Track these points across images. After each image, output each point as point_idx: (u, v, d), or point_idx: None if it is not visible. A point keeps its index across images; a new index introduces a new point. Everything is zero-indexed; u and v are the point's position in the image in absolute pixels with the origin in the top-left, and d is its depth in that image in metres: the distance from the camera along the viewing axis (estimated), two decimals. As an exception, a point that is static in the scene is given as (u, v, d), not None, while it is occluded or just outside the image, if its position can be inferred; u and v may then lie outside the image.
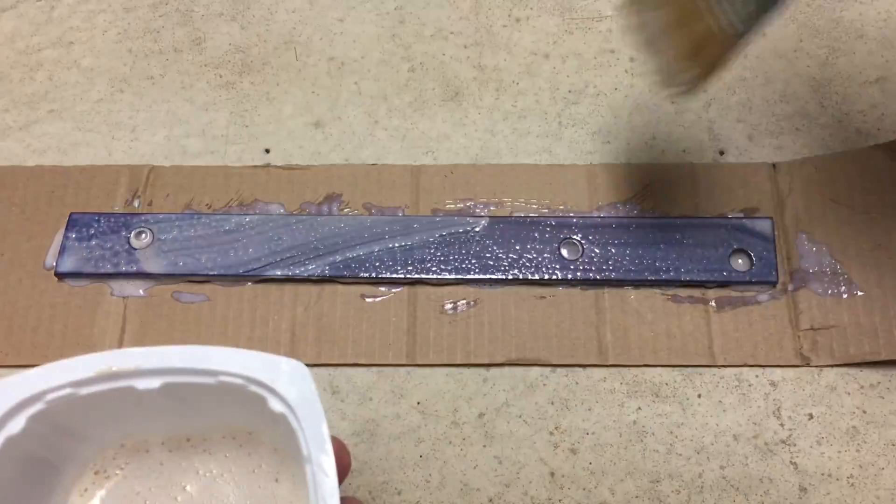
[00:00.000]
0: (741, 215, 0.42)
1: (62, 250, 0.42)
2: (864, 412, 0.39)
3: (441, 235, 0.42)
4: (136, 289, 0.41)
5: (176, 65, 0.48)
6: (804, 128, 0.45)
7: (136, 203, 0.44)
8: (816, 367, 0.40)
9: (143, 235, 0.42)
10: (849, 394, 0.39)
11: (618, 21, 0.49)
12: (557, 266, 0.41)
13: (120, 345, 0.40)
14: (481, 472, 0.38)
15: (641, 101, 0.47)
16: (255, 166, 0.45)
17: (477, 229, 0.42)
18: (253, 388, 0.26)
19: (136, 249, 0.42)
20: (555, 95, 0.47)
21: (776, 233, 0.42)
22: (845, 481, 0.37)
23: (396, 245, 0.42)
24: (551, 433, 0.39)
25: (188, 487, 0.30)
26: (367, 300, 0.41)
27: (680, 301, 0.41)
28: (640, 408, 0.39)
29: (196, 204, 0.43)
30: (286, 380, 0.26)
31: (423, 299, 0.41)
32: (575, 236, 0.42)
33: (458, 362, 0.40)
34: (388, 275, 0.41)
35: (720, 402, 0.39)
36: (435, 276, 0.41)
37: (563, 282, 0.41)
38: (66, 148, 0.46)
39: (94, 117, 0.47)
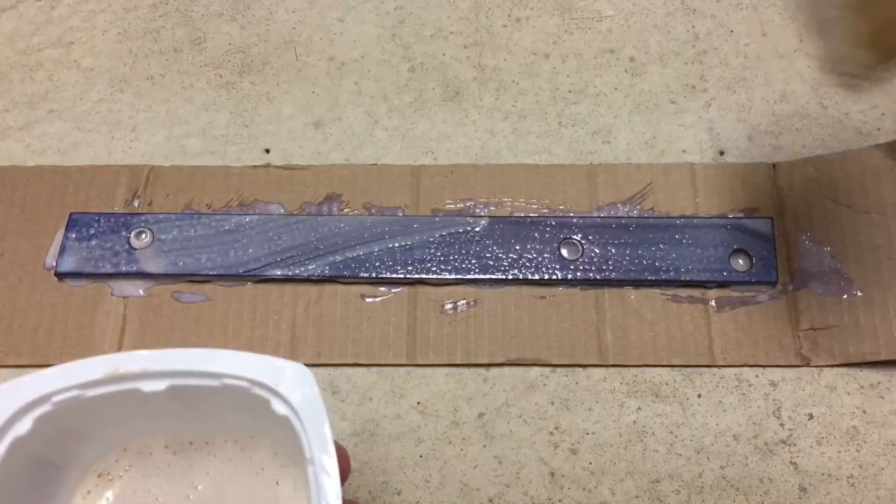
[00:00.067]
0: (741, 215, 0.42)
1: (62, 250, 0.42)
2: (864, 412, 0.39)
3: (441, 235, 0.42)
4: (136, 289, 0.41)
5: (176, 65, 0.48)
6: (804, 128, 0.45)
7: (136, 203, 0.44)
8: (816, 367, 0.40)
9: (143, 235, 0.42)
10: (849, 394, 0.39)
11: (618, 21, 0.49)
12: (557, 266, 0.41)
13: (120, 345, 0.40)
14: (481, 472, 0.38)
15: (641, 101, 0.47)
16: (255, 166, 0.45)
17: (477, 229, 0.42)
18: (257, 390, 0.26)
19: (136, 249, 0.42)
20: (555, 95, 0.47)
21: (776, 233, 0.42)
22: (845, 481, 0.37)
23: (396, 245, 0.42)
24: (551, 433, 0.39)
25: (192, 494, 0.30)
26: (367, 300, 0.41)
27: (680, 301, 0.41)
28: (640, 408, 0.39)
29: (196, 204, 0.43)
30: (290, 383, 0.26)
31: (423, 299, 0.41)
32: (575, 236, 0.42)
33: (458, 362, 0.40)
34: (388, 275, 0.41)
35: (720, 402, 0.39)
36: (435, 276, 0.41)
37: (563, 282, 0.41)
38: (66, 148, 0.46)
39: (94, 117, 0.47)
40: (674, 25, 0.49)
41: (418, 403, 0.40)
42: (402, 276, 0.41)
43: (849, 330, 0.40)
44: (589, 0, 0.50)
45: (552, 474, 0.38)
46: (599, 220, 0.42)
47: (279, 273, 0.41)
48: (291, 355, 0.40)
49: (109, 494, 0.30)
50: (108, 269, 0.41)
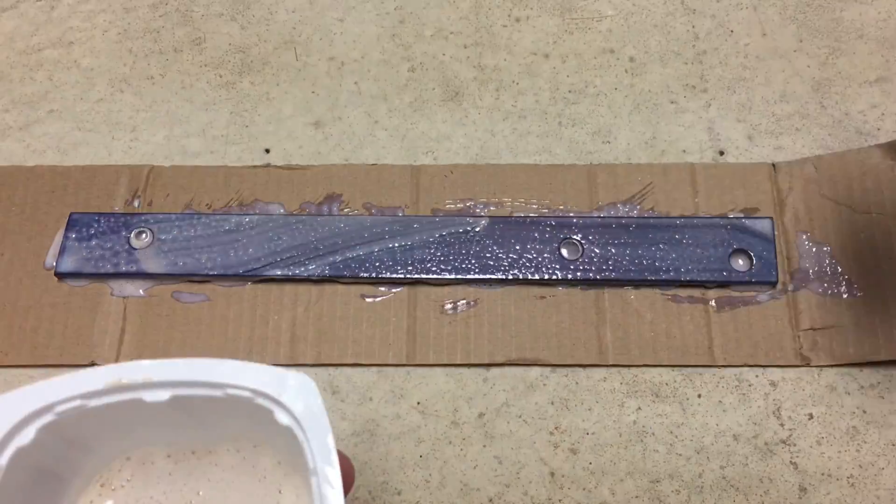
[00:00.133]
0: (741, 215, 0.42)
1: (62, 250, 0.42)
2: (864, 412, 0.39)
3: (441, 235, 0.42)
4: (136, 289, 0.41)
5: (176, 65, 0.48)
6: (804, 128, 0.45)
7: (136, 203, 0.44)
8: (816, 367, 0.40)
9: (143, 235, 0.42)
10: (849, 394, 0.39)
11: (618, 21, 0.49)
12: (557, 266, 0.41)
13: (120, 345, 0.40)
14: (481, 472, 0.38)
15: (641, 101, 0.47)
16: (255, 166, 0.45)
17: (477, 229, 0.42)
18: (260, 400, 0.26)
19: (136, 249, 0.42)
20: (555, 95, 0.47)
21: (776, 233, 0.42)
22: (845, 481, 0.37)
23: (396, 245, 0.42)
24: (551, 433, 0.39)
25: (194, 502, 0.30)
26: (367, 300, 0.41)
27: (680, 301, 0.41)
28: (640, 408, 0.39)
29: (196, 204, 0.43)
30: (293, 393, 0.26)
31: (423, 299, 0.41)
32: (575, 236, 0.42)
33: (458, 362, 0.40)
34: (388, 275, 0.41)
35: (720, 402, 0.39)
36: (435, 276, 0.41)
37: (563, 282, 0.41)
38: (66, 148, 0.46)
39: (94, 117, 0.47)
40: (674, 25, 0.49)
41: (418, 403, 0.40)
42: (402, 276, 0.41)
43: (849, 330, 0.40)
44: (589, 0, 0.50)
45: (552, 474, 0.38)
46: (599, 220, 0.42)
47: (279, 273, 0.41)
48: (291, 355, 0.40)
49: (112, 503, 0.30)
50: (108, 269, 0.41)
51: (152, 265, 0.41)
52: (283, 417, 0.26)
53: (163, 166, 0.45)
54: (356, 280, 0.41)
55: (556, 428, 0.39)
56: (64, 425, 0.27)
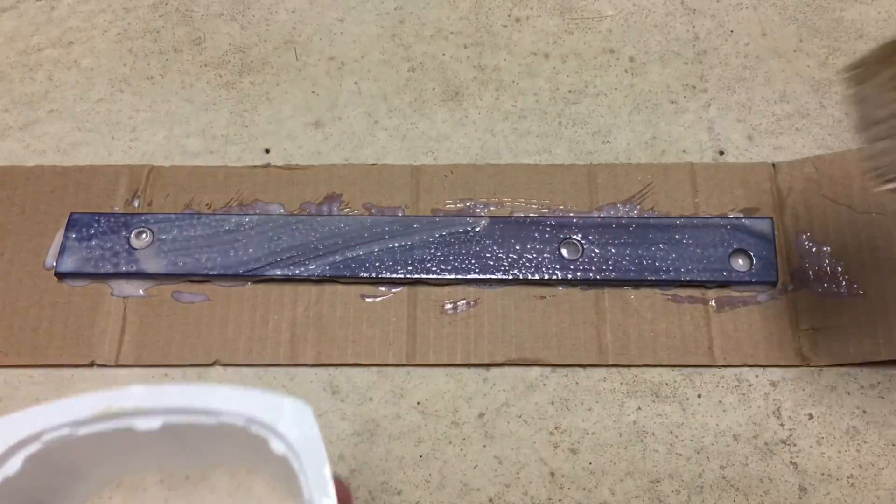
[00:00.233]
0: (741, 215, 0.42)
1: (62, 250, 0.42)
2: (864, 412, 0.39)
3: (441, 235, 0.42)
4: (136, 289, 0.41)
5: (176, 65, 0.48)
6: (804, 128, 0.45)
7: (136, 203, 0.44)
8: (816, 367, 0.40)
9: (143, 235, 0.42)
10: (849, 394, 0.39)
11: (618, 21, 0.49)
12: (557, 266, 0.41)
13: (120, 345, 0.40)
14: (481, 472, 0.38)
15: (641, 101, 0.47)
16: (255, 166, 0.45)
17: (477, 229, 0.42)
18: (254, 428, 0.26)
19: (136, 249, 0.42)
20: (555, 95, 0.47)
21: (776, 233, 0.42)
22: (845, 481, 0.37)
23: (396, 245, 0.42)
24: (551, 433, 0.39)
25: None
26: (367, 300, 0.41)
27: (680, 301, 0.41)
28: (640, 408, 0.39)
29: (196, 204, 0.43)
30: (289, 421, 0.26)
31: (423, 299, 0.41)
32: (575, 236, 0.42)
33: (458, 362, 0.40)
34: (388, 275, 0.41)
35: (720, 402, 0.39)
36: (435, 276, 0.41)
37: (563, 282, 0.41)
38: (66, 148, 0.46)
39: (94, 117, 0.47)
40: (674, 25, 0.49)
41: (418, 403, 0.40)
42: (402, 276, 0.41)
43: (849, 330, 0.40)
44: (589, 0, 0.50)
45: (552, 474, 0.38)
46: (599, 220, 0.42)
47: (279, 273, 0.41)
48: (291, 355, 0.40)
49: None
50: (108, 269, 0.41)
51: (152, 265, 0.41)
52: (278, 446, 0.25)
53: (163, 166, 0.45)
54: (356, 280, 0.41)
55: (556, 428, 0.39)
56: (52, 453, 0.26)
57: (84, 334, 0.41)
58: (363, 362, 0.40)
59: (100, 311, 0.41)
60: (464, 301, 0.41)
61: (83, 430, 0.26)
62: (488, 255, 0.41)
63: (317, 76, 0.48)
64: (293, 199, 0.44)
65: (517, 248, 0.42)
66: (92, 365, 0.40)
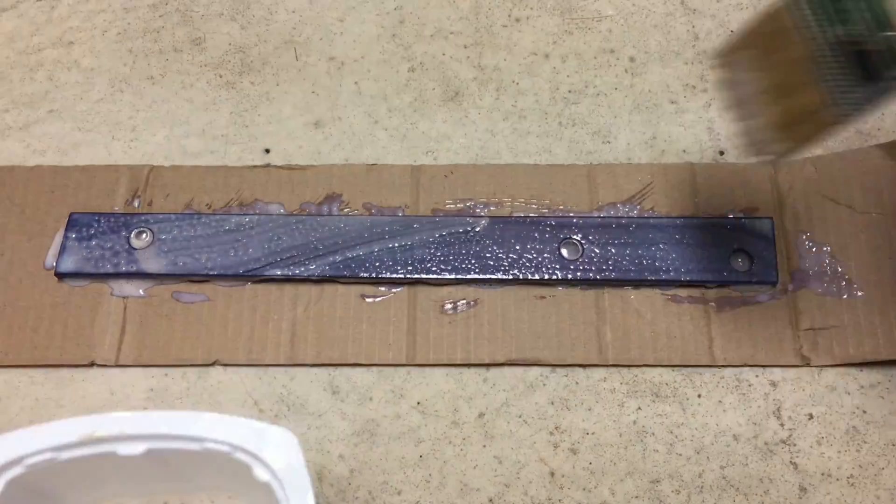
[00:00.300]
0: (741, 215, 0.42)
1: (62, 250, 0.42)
2: (864, 412, 0.39)
3: (441, 235, 0.42)
4: (136, 289, 0.41)
5: (176, 65, 0.48)
6: (804, 128, 0.45)
7: (136, 203, 0.44)
8: (816, 367, 0.40)
9: (143, 235, 0.42)
10: (849, 394, 0.39)
11: (618, 21, 0.49)
12: (557, 266, 0.41)
13: (120, 345, 0.40)
14: (481, 472, 0.38)
15: (641, 101, 0.47)
16: (255, 166, 0.45)
17: (477, 229, 0.42)
18: (239, 455, 0.26)
19: (136, 249, 0.42)
20: (555, 95, 0.47)
21: (776, 233, 0.42)
22: (845, 481, 0.37)
23: (396, 245, 0.42)
24: (551, 433, 0.39)
25: None
26: (367, 300, 0.41)
27: (680, 301, 0.41)
28: (640, 408, 0.39)
29: (196, 204, 0.43)
30: (273, 448, 0.26)
31: (423, 299, 0.41)
32: (575, 236, 0.42)
33: (458, 362, 0.40)
34: (388, 275, 0.41)
35: (720, 402, 0.39)
36: (435, 276, 0.41)
37: (563, 282, 0.41)
38: (66, 148, 0.46)
39: (94, 117, 0.47)
40: (674, 25, 0.49)
41: (418, 403, 0.40)
42: (402, 276, 0.41)
43: (849, 330, 0.40)
44: (589, 0, 0.50)
45: (552, 474, 0.38)
46: (599, 220, 0.42)
47: (279, 273, 0.41)
48: (291, 355, 0.40)
49: None
50: (108, 269, 0.41)
51: (152, 265, 0.41)
52: (261, 473, 0.25)
53: (163, 166, 0.45)
54: (356, 280, 0.41)
55: (556, 428, 0.39)
56: (34, 477, 0.26)
57: (84, 334, 0.41)
58: (363, 362, 0.40)
59: (100, 311, 0.41)
60: (464, 301, 0.41)
61: (66, 455, 0.26)
62: (488, 255, 0.41)
63: (317, 76, 0.48)
64: (293, 199, 0.44)
65: (517, 248, 0.42)
66: (92, 365, 0.40)
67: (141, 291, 0.41)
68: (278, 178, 0.44)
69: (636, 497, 0.37)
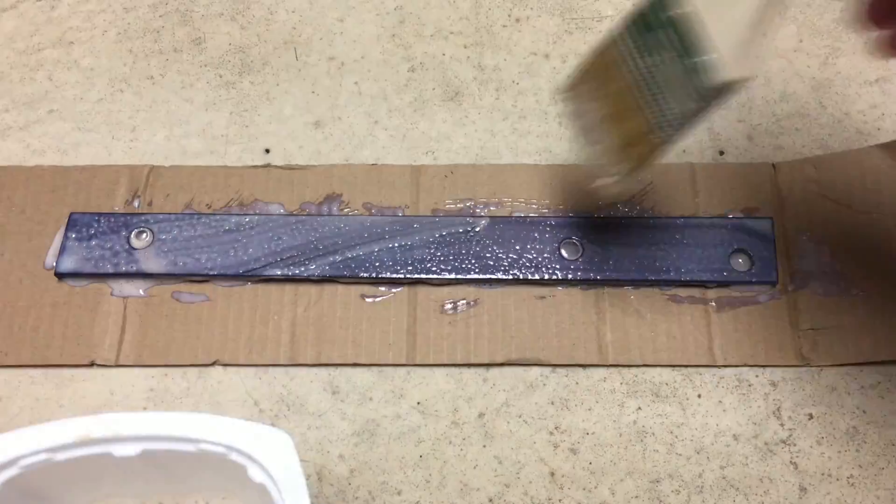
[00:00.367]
0: (741, 215, 0.42)
1: (62, 250, 0.42)
2: (864, 412, 0.39)
3: (441, 235, 0.42)
4: (136, 289, 0.41)
5: (176, 65, 0.48)
6: (804, 128, 0.45)
7: (136, 203, 0.44)
8: (816, 367, 0.40)
9: (143, 235, 0.42)
10: (849, 394, 0.39)
11: (617, 21, 0.49)
12: (557, 266, 0.41)
13: (120, 345, 0.40)
14: (481, 472, 0.38)
15: (641, 101, 0.46)
16: (255, 166, 0.45)
17: (477, 229, 0.42)
18: (234, 456, 0.26)
19: (136, 249, 0.42)
20: (555, 95, 0.47)
21: (776, 233, 0.42)
22: (845, 481, 0.37)
23: (396, 245, 0.42)
24: (551, 433, 0.39)
25: None
26: (367, 300, 0.41)
27: (680, 301, 0.41)
28: (640, 408, 0.39)
29: (196, 204, 0.43)
30: (268, 449, 0.26)
31: (423, 299, 0.41)
32: (575, 236, 0.42)
33: (458, 362, 0.40)
34: (388, 275, 0.41)
35: (720, 402, 0.39)
36: (435, 276, 0.41)
37: (563, 282, 0.41)
38: (66, 148, 0.46)
39: (94, 117, 0.47)
40: (674, 25, 0.49)
41: (418, 403, 0.40)
42: (402, 276, 0.41)
43: (849, 330, 0.40)
44: (589, 0, 0.50)
45: (552, 474, 0.38)
46: (599, 220, 0.42)
47: (279, 273, 0.41)
48: (291, 355, 0.40)
49: None
50: (108, 269, 0.41)
51: (152, 265, 0.41)
52: (256, 474, 0.25)
53: (163, 166, 0.45)
54: (356, 280, 0.41)
55: (556, 428, 0.39)
56: (29, 478, 0.26)
57: (84, 334, 0.41)
58: (363, 362, 0.40)
59: (100, 311, 0.41)
60: (464, 301, 0.41)
61: (61, 456, 0.26)
62: (488, 255, 0.41)
63: (317, 76, 0.48)
64: (293, 199, 0.44)
65: (517, 248, 0.42)
66: (92, 365, 0.40)
67: (141, 291, 0.41)
68: (278, 178, 0.44)
69: (636, 497, 0.37)
